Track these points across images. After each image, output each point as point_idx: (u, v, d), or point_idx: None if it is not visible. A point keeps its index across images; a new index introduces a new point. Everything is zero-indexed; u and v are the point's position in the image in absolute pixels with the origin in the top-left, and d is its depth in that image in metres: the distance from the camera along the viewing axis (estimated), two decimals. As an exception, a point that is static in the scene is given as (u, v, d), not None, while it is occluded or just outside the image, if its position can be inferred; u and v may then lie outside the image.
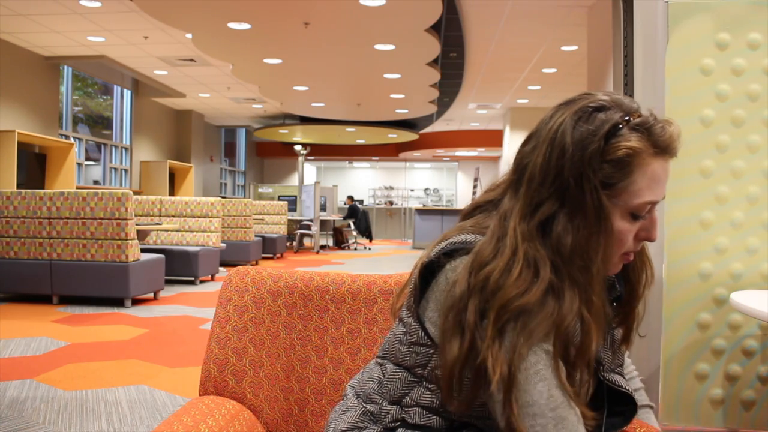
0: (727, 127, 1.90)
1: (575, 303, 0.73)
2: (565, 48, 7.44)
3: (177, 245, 7.15)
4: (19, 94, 8.15)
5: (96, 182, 10.61)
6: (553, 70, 8.65)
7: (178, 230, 7.27)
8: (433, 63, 8.28)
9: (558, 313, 0.72)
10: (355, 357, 1.24)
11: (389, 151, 18.63)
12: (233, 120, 14.85)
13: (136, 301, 5.45)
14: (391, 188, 21.01)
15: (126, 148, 11.29)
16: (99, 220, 5.10)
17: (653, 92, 1.91)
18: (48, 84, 8.77)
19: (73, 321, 4.58)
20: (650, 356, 1.92)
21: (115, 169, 11.03)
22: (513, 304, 0.72)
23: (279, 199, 13.83)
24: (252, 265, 7.97)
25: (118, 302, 5.26)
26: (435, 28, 6.86)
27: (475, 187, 14.86)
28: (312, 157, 18.95)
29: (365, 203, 19.32)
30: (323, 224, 13.29)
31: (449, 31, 7.07)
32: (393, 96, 10.75)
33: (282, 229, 10.74)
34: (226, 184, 16.39)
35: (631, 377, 1.02)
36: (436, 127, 14.93)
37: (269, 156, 18.91)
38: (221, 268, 7.89)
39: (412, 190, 20.89)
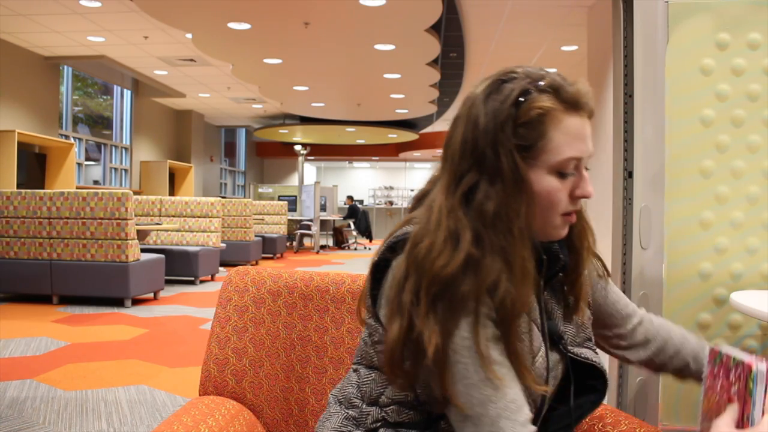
0: (727, 127, 1.90)
1: (496, 266, 0.74)
2: (565, 48, 7.44)
3: (177, 245, 7.15)
4: (19, 94, 8.15)
5: (96, 182, 10.61)
6: (553, 70, 8.65)
7: (178, 230, 7.27)
8: (433, 63, 8.28)
9: (480, 279, 0.74)
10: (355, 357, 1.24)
11: (389, 151, 18.63)
12: (233, 120, 14.85)
13: (136, 301, 5.45)
14: (391, 188, 21.02)
15: (126, 148, 11.28)
16: (99, 220, 5.10)
17: (653, 92, 1.91)
18: (48, 84, 8.77)
19: (73, 321, 4.58)
20: (650, 356, 1.92)
21: (115, 169, 11.03)
22: (438, 277, 0.74)
23: (279, 199, 13.83)
24: (252, 265, 7.98)
25: (118, 302, 5.26)
26: (435, 28, 6.86)
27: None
28: (312, 157, 18.94)
29: (365, 203, 19.31)
30: (323, 224, 13.28)
31: (449, 31, 7.06)
32: (393, 96, 10.74)
33: (282, 229, 10.74)
34: (226, 184, 16.38)
35: (663, 325, 1.04)
36: (436, 127, 14.93)
37: (269, 156, 18.90)
38: (221, 268, 7.89)
39: (412, 190, 20.89)
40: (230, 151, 17.14)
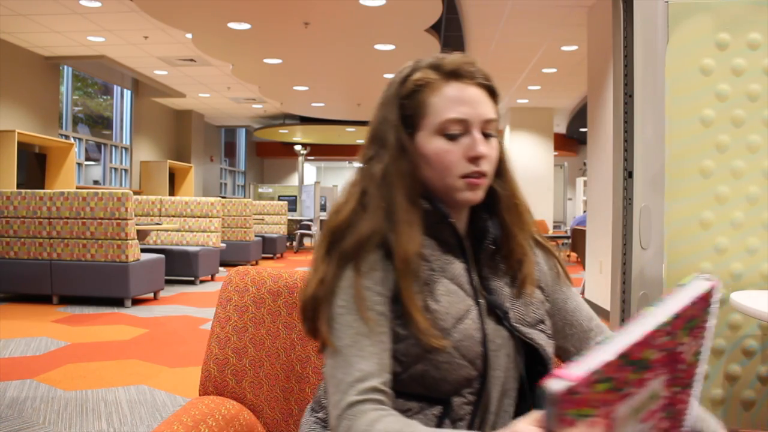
0: (727, 127, 1.90)
1: (378, 220, 0.84)
2: (565, 48, 7.44)
3: (177, 245, 7.15)
4: (19, 94, 8.15)
5: (96, 182, 10.60)
6: (553, 70, 8.65)
7: (178, 230, 7.27)
8: (433, 63, 8.28)
9: (362, 229, 0.84)
10: (355, 357, 1.24)
11: (389, 151, 18.59)
12: (233, 120, 14.84)
13: (136, 301, 5.45)
14: (391, 188, 20.99)
15: (126, 148, 11.28)
16: (99, 220, 5.10)
17: (653, 92, 1.91)
18: (48, 84, 8.77)
19: (73, 321, 4.58)
20: (650, 356, 1.92)
21: (115, 169, 11.03)
22: (332, 228, 0.87)
23: (279, 199, 13.84)
24: (252, 265, 7.97)
25: (118, 302, 5.26)
26: (435, 28, 6.86)
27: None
28: (312, 157, 18.93)
29: (365, 203, 19.27)
30: (323, 224, 13.26)
31: (449, 31, 7.06)
32: (393, 96, 10.72)
33: (282, 229, 10.74)
34: (226, 184, 16.38)
35: None
36: (436, 127, 14.92)
37: (269, 156, 18.90)
38: (221, 268, 7.89)
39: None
40: (230, 151, 17.14)
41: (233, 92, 11.28)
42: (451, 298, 0.85)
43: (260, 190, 15.05)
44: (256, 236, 9.54)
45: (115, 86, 10.92)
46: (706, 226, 1.91)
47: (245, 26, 6.75)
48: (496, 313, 0.88)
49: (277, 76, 9.36)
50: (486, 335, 0.85)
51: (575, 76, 8.71)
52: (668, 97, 1.91)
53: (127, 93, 11.20)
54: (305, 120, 14.11)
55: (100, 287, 5.14)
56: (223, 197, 11.09)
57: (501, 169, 0.92)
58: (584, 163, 13.65)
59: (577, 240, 6.41)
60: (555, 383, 0.51)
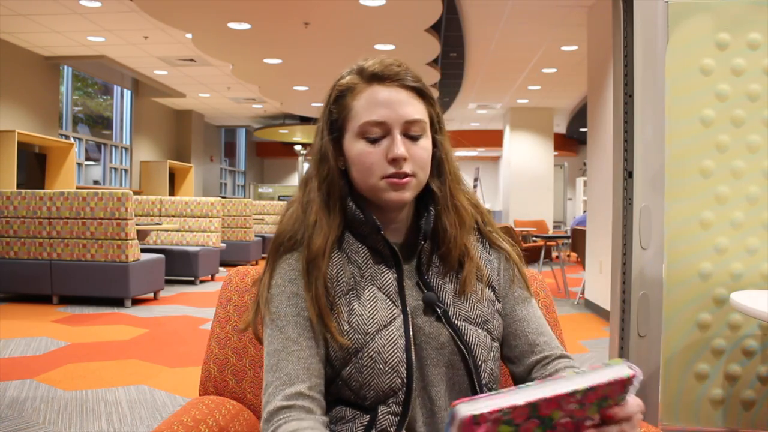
0: (727, 127, 1.90)
1: (294, 218, 0.90)
2: (565, 48, 7.44)
3: (177, 245, 7.15)
4: (19, 94, 8.15)
5: (96, 182, 10.60)
6: (553, 70, 8.65)
7: (178, 230, 7.27)
8: (433, 63, 8.27)
9: (281, 226, 0.91)
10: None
11: (389, 151, 18.58)
12: (233, 120, 14.84)
13: (136, 301, 5.45)
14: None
15: (126, 148, 11.28)
16: (99, 220, 5.10)
17: (653, 92, 1.91)
18: (48, 84, 8.77)
19: (73, 321, 4.58)
20: (650, 356, 1.92)
21: (115, 169, 11.03)
22: (276, 232, 0.92)
23: (279, 199, 13.85)
24: (252, 265, 7.96)
25: (118, 302, 5.26)
26: (435, 28, 6.86)
27: (475, 187, 14.86)
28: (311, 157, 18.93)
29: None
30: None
31: (449, 31, 7.06)
32: (393, 96, 10.72)
33: (282, 229, 10.72)
34: (226, 184, 16.38)
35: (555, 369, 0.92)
36: (436, 126, 14.90)
37: (269, 156, 18.90)
38: (221, 268, 7.89)
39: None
40: (230, 151, 17.13)
41: (233, 92, 11.28)
42: (377, 305, 0.86)
43: (260, 190, 15.06)
44: (256, 236, 9.54)
45: (115, 86, 10.92)
46: (706, 226, 1.91)
47: (245, 26, 6.75)
48: (435, 312, 0.88)
49: (277, 76, 9.36)
50: (410, 342, 0.84)
51: (575, 76, 8.70)
52: (668, 97, 1.91)
53: (127, 93, 11.20)
54: (305, 120, 14.11)
55: (100, 287, 5.14)
56: (223, 197, 11.09)
57: (440, 169, 0.91)
58: (584, 163, 13.65)
59: (577, 240, 6.41)
60: (464, 407, 0.52)
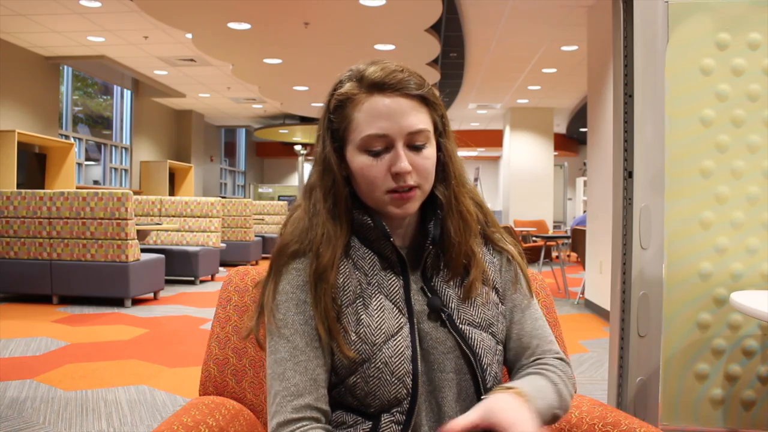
0: (727, 127, 1.90)
1: (300, 228, 0.88)
2: (565, 48, 7.44)
3: (177, 245, 7.15)
4: (19, 94, 8.15)
5: (96, 182, 10.60)
6: (553, 70, 8.65)
7: (178, 230, 7.27)
8: (433, 63, 8.27)
9: (284, 235, 0.89)
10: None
11: (389, 151, 18.57)
12: (233, 120, 14.84)
13: (136, 301, 5.45)
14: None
15: (126, 148, 11.28)
16: (99, 220, 5.10)
17: (653, 92, 1.91)
18: (48, 84, 8.77)
19: (73, 321, 4.58)
20: (650, 356, 1.92)
21: (115, 169, 11.02)
22: (280, 239, 0.90)
23: (279, 199, 13.85)
24: (252, 265, 7.97)
25: (118, 302, 5.26)
26: (435, 28, 6.86)
27: (475, 187, 14.84)
28: (312, 157, 18.89)
29: (365, 203, 19.26)
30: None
31: (449, 31, 7.06)
32: (393, 96, 10.71)
33: (282, 229, 10.72)
34: (226, 184, 16.38)
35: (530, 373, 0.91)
36: (436, 126, 14.90)
37: (269, 156, 18.90)
38: (221, 268, 7.89)
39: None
40: (230, 151, 17.13)
41: (233, 92, 11.28)
42: (384, 314, 0.85)
43: (260, 190, 15.06)
44: (256, 236, 9.54)
45: (115, 86, 10.92)
46: (706, 226, 1.91)
47: (245, 26, 6.75)
48: (440, 317, 0.87)
49: (277, 76, 9.35)
50: (416, 352, 0.84)
51: (575, 76, 8.70)
52: (668, 97, 1.91)
53: (127, 93, 11.20)
54: (305, 120, 14.11)
55: (100, 287, 5.14)
56: (223, 197, 11.09)
57: (444, 174, 0.90)
58: (584, 163, 13.65)
59: (577, 240, 6.41)
60: None
